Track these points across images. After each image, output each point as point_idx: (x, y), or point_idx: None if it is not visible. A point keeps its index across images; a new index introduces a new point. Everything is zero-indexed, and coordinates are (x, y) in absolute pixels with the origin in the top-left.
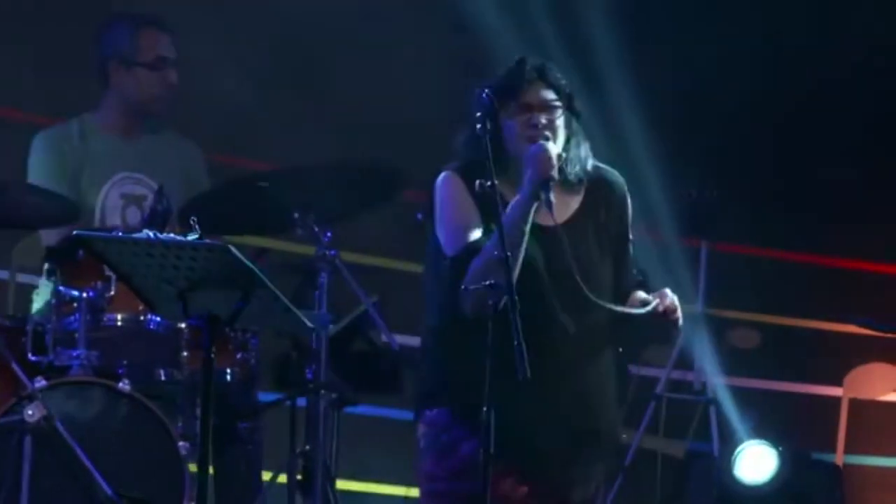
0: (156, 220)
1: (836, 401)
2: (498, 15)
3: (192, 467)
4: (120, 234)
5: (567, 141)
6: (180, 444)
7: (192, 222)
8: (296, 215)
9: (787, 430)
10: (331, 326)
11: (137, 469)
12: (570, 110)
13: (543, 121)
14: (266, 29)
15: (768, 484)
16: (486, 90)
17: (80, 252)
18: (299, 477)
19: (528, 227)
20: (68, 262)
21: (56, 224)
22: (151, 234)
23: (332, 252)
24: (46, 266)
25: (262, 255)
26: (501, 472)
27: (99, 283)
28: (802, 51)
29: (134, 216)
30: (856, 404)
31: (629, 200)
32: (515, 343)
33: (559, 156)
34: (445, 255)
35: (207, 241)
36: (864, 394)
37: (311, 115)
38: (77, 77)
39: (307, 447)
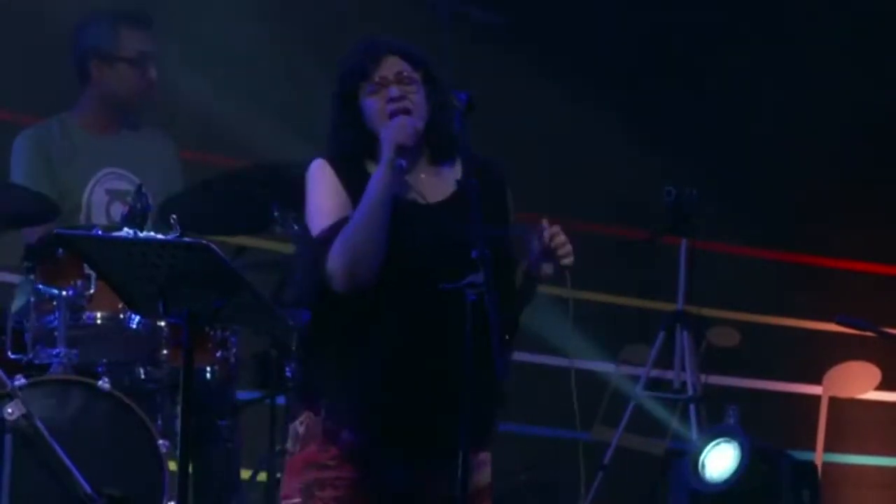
0: (135, 218)
1: (816, 399)
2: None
3: (172, 465)
4: (99, 232)
5: (432, 113)
6: (160, 442)
7: (171, 220)
8: (275, 213)
9: (767, 429)
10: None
11: (117, 467)
12: (429, 81)
13: (399, 92)
14: (246, 23)
15: (730, 481)
16: (465, 92)
17: (60, 250)
18: (279, 475)
19: (387, 200)
20: (48, 260)
21: (36, 222)
22: (131, 232)
23: None
24: (26, 264)
25: (241, 254)
26: (389, 457)
27: (79, 282)
28: (788, 48)
29: (118, 212)
30: (835, 403)
31: (509, 190)
32: (493, 340)
33: (416, 129)
34: (311, 237)
35: (187, 239)
36: (844, 392)
37: (292, 111)
38: (59, 75)
39: (287, 445)
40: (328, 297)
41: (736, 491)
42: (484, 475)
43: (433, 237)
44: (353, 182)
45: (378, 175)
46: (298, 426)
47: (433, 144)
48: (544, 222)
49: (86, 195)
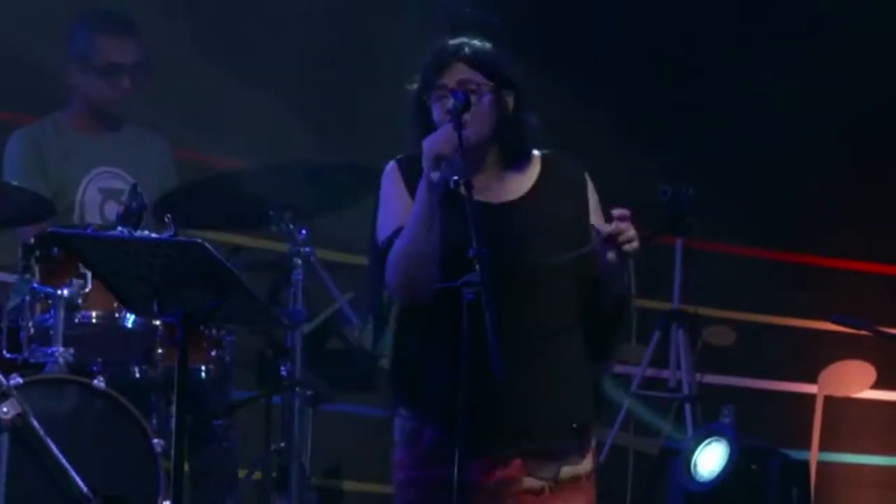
0: (130, 217)
1: (811, 398)
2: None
3: (167, 464)
4: (94, 231)
5: (501, 120)
6: (155, 441)
7: (166, 220)
8: (271, 212)
9: (762, 428)
10: (306, 324)
11: (112, 466)
12: (502, 88)
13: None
14: (246, 23)
15: (718, 480)
16: (462, 92)
17: (56, 249)
18: (274, 474)
19: (428, 213)
20: (43, 259)
21: (31, 221)
22: (126, 231)
23: (307, 249)
24: (21, 263)
25: (237, 253)
26: (468, 457)
27: (74, 281)
28: (788, 47)
29: (113, 211)
30: (831, 402)
31: (590, 185)
32: (490, 339)
33: (463, 139)
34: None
35: (182, 238)
36: (839, 391)
37: (288, 111)
38: (51, 75)
39: (282, 444)
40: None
41: (724, 490)
42: (584, 463)
43: (496, 237)
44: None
45: (419, 189)
46: (394, 431)
47: (502, 148)
48: (613, 211)
49: (79, 194)
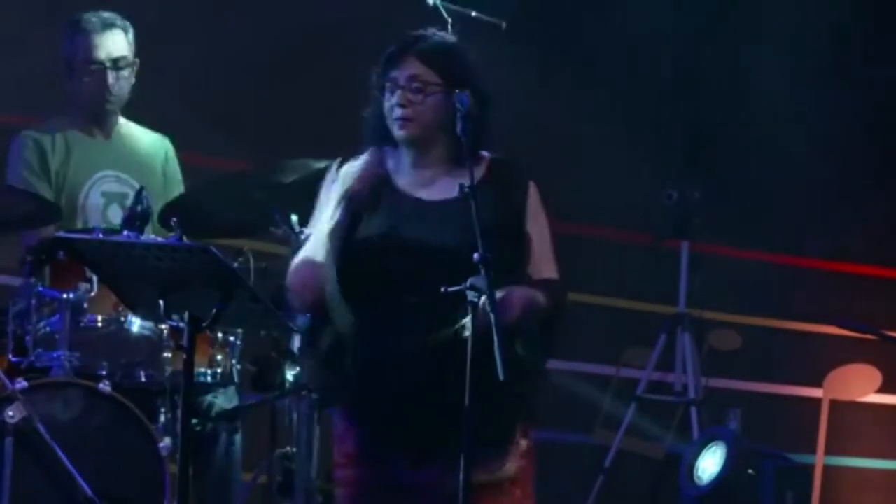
0: (135, 220)
1: (817, 402)
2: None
3: (173, 468)
4: (100, 235)
5: (450, 122)
6: (161, 444)
7: (172, 223)
8: (276, 216)
9: (767, 432)
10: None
11: (118, 470)
12: (455, 87)
13: (401, 101)
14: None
15: (714, 483)
16: (465, 94)
17: (61, 253)
18: (280, 478)
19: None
20: (49, 263)
21: (37, 225)
22: (132, 235)
23: None
24: (27, 267)
25: (242, 256)
26: (392, 456)
27: (80, 285)
28: (789, 48)
29: (116, 214)
30: (836, 405)
31: (533, 194)
32: (496, 342)
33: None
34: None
35: (187, 242)
36: (844, 395)
37: (291, 114)
38: (51, 77)
39: (288, 448)
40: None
41: (721, 494)
42: (505, 468)
43: (426, 234)
44: (362, 179)
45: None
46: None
47: (450, 146)
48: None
49: (82, 198)
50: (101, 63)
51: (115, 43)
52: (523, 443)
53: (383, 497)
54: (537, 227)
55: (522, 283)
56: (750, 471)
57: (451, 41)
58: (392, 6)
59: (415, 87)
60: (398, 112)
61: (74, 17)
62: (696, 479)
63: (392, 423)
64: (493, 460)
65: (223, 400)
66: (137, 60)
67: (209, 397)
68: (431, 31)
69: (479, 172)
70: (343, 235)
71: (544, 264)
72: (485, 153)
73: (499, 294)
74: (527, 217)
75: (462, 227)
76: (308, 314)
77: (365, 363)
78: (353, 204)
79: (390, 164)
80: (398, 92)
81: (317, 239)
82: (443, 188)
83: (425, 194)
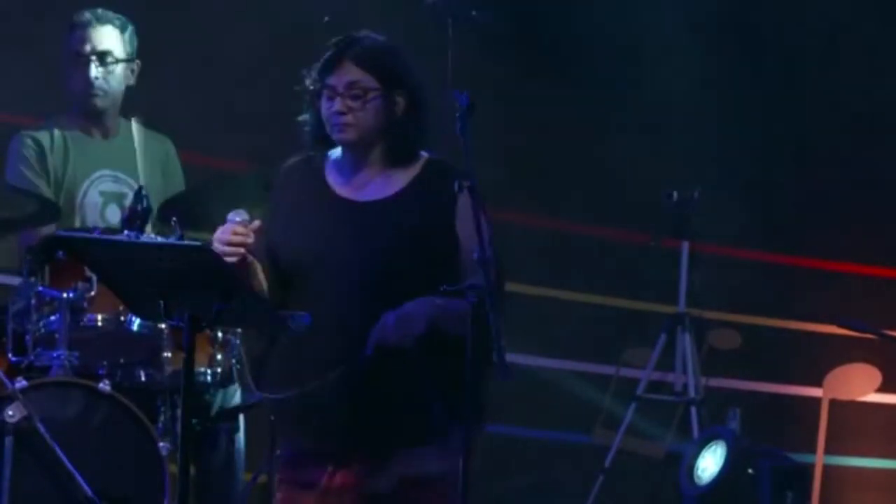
0: (135, 220)
1: (817, 401)
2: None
3: (173, 468)
4: (99, 234)
5: (388, 121)
6: (160, 444)
7: (172, 223)
8: None
9: (767, 432)
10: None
11: (118, 470)
12: (392, 88)
13: (341, 108)
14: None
15: (714, 483)
16: (465, 94)
17: (61, 252)
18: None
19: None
20: (49, 262)
21: (37, 224)
22: (131, 234)
23: None
24: (26, 266)
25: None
26: (313, 457)
27: (79, 284)
28: (785, 50)
29: (114, 214)
30: (836, 405)
31: (464, 196)
32: (495, 342)
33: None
34: None
35: (187, 241)
36: (844, 394)
37: (289, 112)
38: (50, 76)
39: None
40: None
41: (720, 493)
42: (412, 468)
43: (353, 234)
44: (299, 183)
45: None
46: None
47: (387, 147)
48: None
49: (80, 197)
50: (86, 55)
51: (104, 37)
52: (449, 447)
53: (305, 497)
54: (469, 231)
55: (448, 286)
56: (750, 470)
57: (386, 43)
58: (393, 8)
59: (353, 94)
60: (338, 119)
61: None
62: (696, 478)
63: (309, 427)
64: (422, 457)
65: (221, 398)
66: (138, 62)
67: (214, 395)
68: (364, 33)
69: (413, 173)
70: (271, 238)
71: (476, 269)
72: (423, 154)
73: (391, 315)
74: (456, 221)
75: (394, 227)
76: None
77: (285, 366)
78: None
79: (327, 167)
80: (337, 99)
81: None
82: (377, 189)
83: (359, 196)
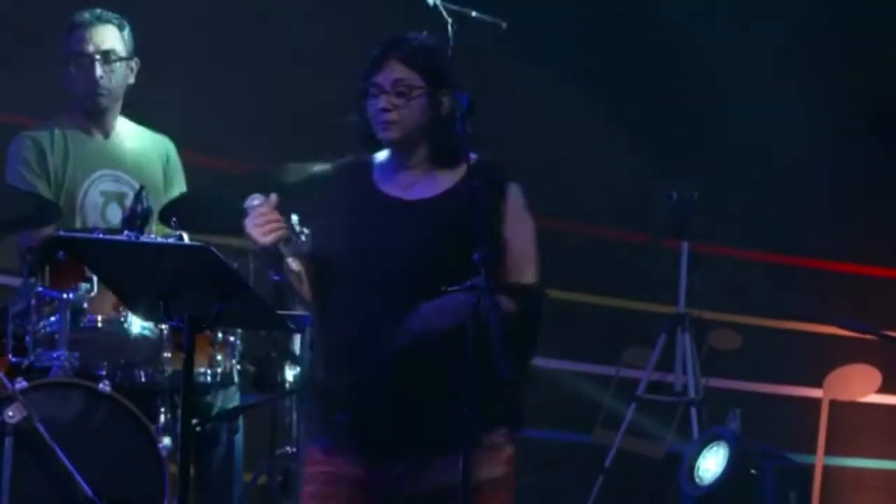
0: (135, 220)
1: (817, 402)
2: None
3: (173, 468)
4: (100, 235)
5: (436, 118)
6: (161, 444)
7: (172, 223)
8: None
9: (767, 432)
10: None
11: (118, 470)
12: (438, 89)
13: (387, 104)
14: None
15: (717, 483)
16: (466, 95)
17: (61, 253)
18: (280, 478)
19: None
20: (49, 262)
21: (38, 225)
22: (131, 235)
23: None
24: (27, 267)
25: (242, 256)
26: (354, 454)
27: (80, 285)
28: (788, 48)
29: (114, 214)
30: (836, 406)
31: (512, 196)
32: (495, 342)
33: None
34: None
35: (188, 242)
36: (844, 395)
37: (291, 113)
38: (51, 77)
39: (288, 448)
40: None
41: (723, 494)
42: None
43: (399, 232)
44: (347, 182)
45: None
46: None
47: (433, 148)
48: None
49: (80, 197)
50: (89, 55)
51: (105, 36)
52: (499, 450)
53: (342, 491)
54: (514, 231)
55: (497, 285)
56: (753, 471)
57: (433, 43)
58: (396, 9)
59: (399, 91)
60: (383, 116)
61: (75, 13)
62: (696, 478)
63: (354, 425)
64: (454, 462)
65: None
66: (137, 60)
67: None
68: (412, 33)
69: (461, 173)
70: (318, 235)
71: (521, 268)
72: (473, 155)
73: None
74: (503, 220)
75: (440, 225)
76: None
77: (330, 364)
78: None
79: (374, 168)
80: (382, 96)
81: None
82: (424, 188)
83: (406, 195)
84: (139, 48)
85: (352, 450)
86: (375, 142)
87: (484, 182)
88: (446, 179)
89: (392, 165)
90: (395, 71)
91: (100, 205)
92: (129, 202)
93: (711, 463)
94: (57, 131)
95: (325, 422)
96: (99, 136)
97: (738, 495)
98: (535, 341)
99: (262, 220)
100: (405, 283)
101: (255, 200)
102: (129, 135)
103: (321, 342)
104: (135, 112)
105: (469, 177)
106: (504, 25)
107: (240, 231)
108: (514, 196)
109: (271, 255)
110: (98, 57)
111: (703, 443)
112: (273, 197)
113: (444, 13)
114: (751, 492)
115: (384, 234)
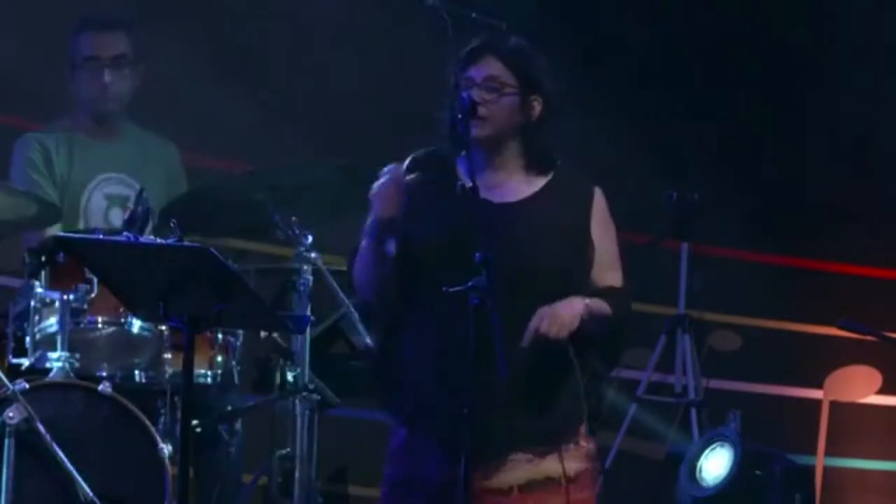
0: (135, 222)
1: (817, 403)
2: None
3: (173, 469)
4: (100, 236)
5: (523, 123)
6: (161, 446)
7: (171, 224)
8: (276, 217)
9: (768, 433)
10: (311, 329)
11: (118, 471)
12: (530, 91)
13: (477, 98)
14: (247, 25)
15: (722, 485)
16: (468, 94)
17: (61, 254)
18: (280, 479)
19: (372, 247)
20: (49, 264)
21: (38, 226)
22: (131, 236)
23: (313, 254)
24: (27, 268)
25: (242, 258)
26: (428, 454)
27: (80, 286)
28: (788, 49)
29: (117, 217)
30: (836, 407)
31: (598, 200)
32: (496, 343)
33: (467, 138)
34: None
35: (187, 243)
36: (845, 396)
37: (292, 115)
38: (55, 79)
39: (288, 450)
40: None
41: (728, 495)
42: (537, 469)
43: (489, 235)
44: (431, 177)
45: (368, 227)
46: None
47: (521, 151)
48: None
49: (84, 200)
50: (100, 60)
51: (115, 41)
52: (585, 445)
53: (415, 491)
54: (602, 233)
55: (585, 289)
56: (758, 472)
57: (531, 47)
58: (397, 11)
59: (491, 87)
60: (478, 110)
61: (81, 16)
62: (699, 479)
63: (431, 421)
64: (548, 456)
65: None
66: (143, 64)
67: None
68: (510, 33)
69: (546, 179)
70: (404, 229)
71: (608, 271)
72: (559, 162)
73: (548, 309)
74: (591, 223)
75: (528, 228)
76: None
77: (407, 363)
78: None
79: (459, 164)
80: (473, 90)
81: None
82: (510, 191)
83: (493, 196)
84: (147, 50)
85: (426, 447)
86: (461, 141)
87: (571, 186)
88: (535, 183)
89: (478, 164)
90: (490, 67)
91: (104, 208)
92: (131, 205)
93: (715, 464)
94: (63, 134)
95: (405, 419)
96: (104, 140)
97: (744, 497)
98: (625, 342)
99: (386, 192)
100: (504, 287)
101: (389, 171)
102: (135, 138)
103: (410, 344)
104: (139, 114)
105: (555, 181)
106: (504, 26)
107: (240, 233)
108: (600, 200)
109: (381, 224)
110: (108, 62)
111: (706, 443)
112: (401, 171)
113: (443, 13)
114: (756, 493)
115: (470, 236)
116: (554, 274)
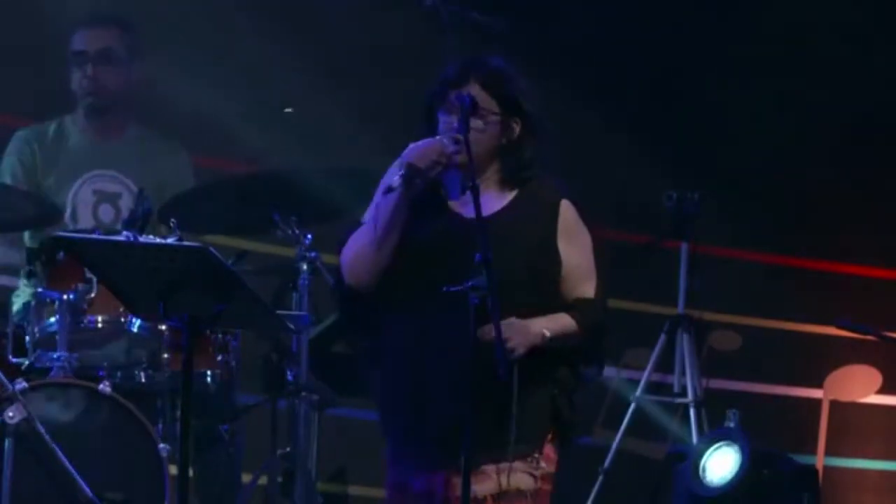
0: (135, 221)
1: (817, 403)
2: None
3: (173, 469)
4: (99, 235)
5: (503, 146)
6: (161, 445)
7: (171, 224)
8: (276, 217)
9: (768, 433)
10: (311, 328)
11: (118, 471)
12: (511, 113)
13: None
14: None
15: (730, 485)
16: (468, 95)
17: (61, 254)
18: (280, 479)
19: (390, 217)
20: (49, 263)
21: (38, 226)
22: (130, 235)
23: (313, 254)
24: (27, 267)
25: (242, 257)
26: (411, 460)
27: (79, 285)
28: (788, 49)
29: (107, 213)
30: (836, 406)
31: (565, 211)
32: (496, 343)
33: (442, 154)
34: None
35: (186, 242)
36: (845, 396)
37: (291, 114)
38: (53, 78)
39: (288, 449)
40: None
41: (736, 494)
42: (510, 480)
43: (456, 248)
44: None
45: (378, 191)
46: None
47: (499, 169)
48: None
49: (71, 195)
50: (86, 54)
51: (103, 35)
52: (544, 464)
53: (408, 498)
54: (569, 245)
55: (554, 301)
56: (765, 471)
57: (509, 68)
58: (394, 8)
59: (477, 113)
60: (453, 136)
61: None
62: (704, 479)
63: (413, 428)
64: (520, 467)
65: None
66: (139, 64)
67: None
68: (490, 56)
69: (514, 193)
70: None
71: (580, 283)
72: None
73: (505, 323)
74: (557, 235)
75: (497, 242)
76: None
77: (392, 367)
78: (410, 174)
79: (445, 179)
80: (454, 115)
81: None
82: (484, 206)
83: (466, 211)
84: (147, 48)
85: (407, 453)
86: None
87: (536, 199)
88: (505, 198)
89: (458, 184)
90: (473, 92)
91: (92, 203)
92: (123, 203)
93: (721, 463)
94: (57, 131)
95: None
96: (101, 137)
97: (752, 497)
98: (600, 356)
99: (426, 148)
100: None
101: (449, 136)
102: (136, 139)
103: (390, 351)
104: (146, 115)
105: (522, 195)
106: (502, 25)
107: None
108: (566, 212)
109: (410, 171)
110: (93, 55)
111: (710, 442)
112: (444, 143)
113: (443, 14)
114: (764, 493)
115: (443, 250)
116: (519, 286)
